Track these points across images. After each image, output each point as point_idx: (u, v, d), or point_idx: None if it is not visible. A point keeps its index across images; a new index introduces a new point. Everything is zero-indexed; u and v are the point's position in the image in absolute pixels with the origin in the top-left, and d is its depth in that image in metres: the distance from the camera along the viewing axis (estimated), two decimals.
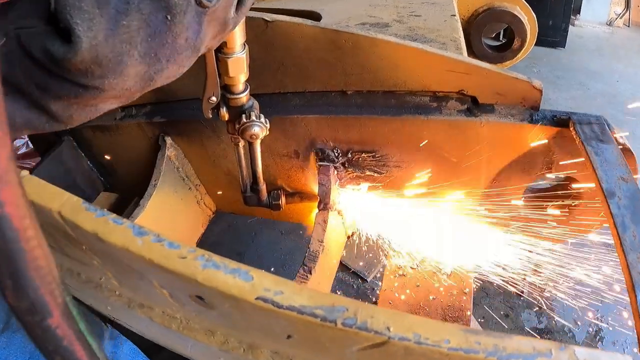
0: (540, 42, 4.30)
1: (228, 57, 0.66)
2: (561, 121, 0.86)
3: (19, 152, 2.10)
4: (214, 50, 0.66)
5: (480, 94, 0.84)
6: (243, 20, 0.61)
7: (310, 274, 0.92)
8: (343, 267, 2.49)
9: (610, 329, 2.09)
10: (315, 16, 1.56)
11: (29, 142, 2.04)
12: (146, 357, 1.21)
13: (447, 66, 0.83)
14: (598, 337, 2.13)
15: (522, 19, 1.82)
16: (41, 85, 0.43)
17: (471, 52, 1.94)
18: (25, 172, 0.58)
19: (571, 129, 0.84)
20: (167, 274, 0.39)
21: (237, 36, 0.64)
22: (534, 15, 1.86)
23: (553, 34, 4.42)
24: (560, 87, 3.97)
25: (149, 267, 0.41)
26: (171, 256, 0.38)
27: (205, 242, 2.66)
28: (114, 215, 0.45)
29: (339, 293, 2.35)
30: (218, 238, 2.73)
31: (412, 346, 0.31)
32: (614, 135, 0.86)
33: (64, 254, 0.71)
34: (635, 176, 0.86)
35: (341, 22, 1.41)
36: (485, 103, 0.85)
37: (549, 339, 2.19)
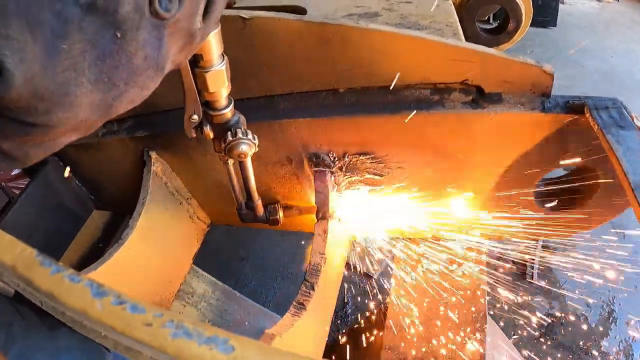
0: (531, 23, 4.27)
1: (206, 71, 0.59)
2: (576, 107, 0.79)
3: (12, 174, 2.06)
4: (190, 65, 0.60)
5: (486, 82, 0.77)
6: (218, 29, 0.55)
7: (313, 290, 0.85)
8: (348, 265, 2.44)
9: (622, 308, 2.08)
10: (299, 10, 1.49)
11: None
12: None
13: (447, 54, 0.75)
14: (611, 319, 2.09)
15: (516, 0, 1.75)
16: None
17: (465, 37, 1.87)
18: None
19: (587, 115, 0.77)
20: (134, 344, 0.32)
21: (214, 47, 0.57)
22: None
23: (543, 14, 4.37)
24: (555, 67, 3.86)
25: (113, 334, 0.33)
26: (135, 323, 0.31)
27: (206, 250, 2.60)
28: (71, 271, 0.38)
29: (347, 294, 2.30)
30: (218, 244, 2.68)
31: None
32: (634, 119, 0.79)
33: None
34: None
35: (327, 15, 1.34)
36: (492, 92, 0.78)
37: (560, 324, 2.16)
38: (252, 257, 2.63)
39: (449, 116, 0.79)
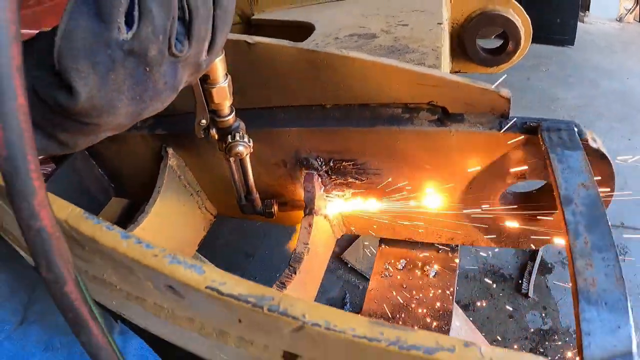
0: (548, 41, 4.32)
1: (212, 87, 0.75)
2: (531, 128, 0.90)
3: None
4: (200, 82, 0.76)
5: (450, 104, 0.89)
6: (222, 56, 0.71)
7: (295, 274, 0.99)
8: (349, 268, 2.56)
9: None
10: (308, 27, 1.63)
11: None
12: (154, 352, 1.28)
13: (416, 79, 0.88)
14: None
15: (515, 22, 1.85)
16: (52, 122, 0.54)
17: (466, 56, 1.98)
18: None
19: (539, 136, 0.88)
20: (145, 269, 0.50)
21: (219, 69, 0.73)
22: (528, 18, 1.88)
23: (562, 32, 4.38)
24: (571, 86, 3.95)
25: (133, 263, 0.52)
26: (147, 255, 0.50)
27: (215, 244, 2.76)
28: (108, 222, 0.59)
29: (347, 295, 2.42)
30: (228, 240, 2.83)
31: (323, 332, 0.37)
32: (586, 140, 0.88)
33: (74, 254, 0.80)
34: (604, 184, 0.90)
35: (332, 34, 1.48)
36: (455, 113, 0.90)
37: (553, 340, 2.21)
38: (258, 254, 2.75)
39: (416, 132, 0.91)
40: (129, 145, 1.34)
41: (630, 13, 4.70)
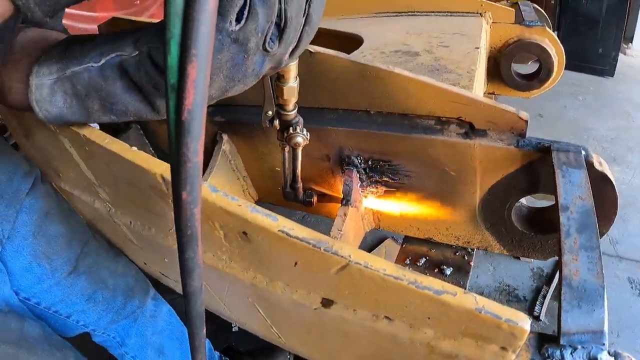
0: (588, 70, 4.37)
1: (284, 85, 0.89)
2: (544, 148, 1.04)
3: None
4: (275, 79, 0.90)
5: (476, 121, 1.05)
6: (297, 61, 0.84)
7: None
8: None
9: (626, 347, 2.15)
10: (357, 39, 1.80)
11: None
12: (181, 321, 1.43)
13: (450, 97, 1.04)
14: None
15: (549, 51, 1.98)
16: (156, 85, 0.63)
17: (501, 78, 2.12)
18: (135, 148, 0.84)
19: (550, 154, 1.02)
20: (228, 216, 0.65)
21: (292, 71, 0.86)
22: (562, 48, 2.00)
23: (602, 62, 4.38)
24: (604, 117, 3.97)
25: (217, 211, 0.66)
26: (232, 204, 0.64)
27: None
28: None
29: None
30: None
31: (362, 269, 0.53)
32: (592, 163, 1.01)
33: (146, 209, 0.98)
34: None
35: (378, 48, 1.64)
36: (480, 129, 1.05)
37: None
38: None
39: (446, 141, 1.07)
40: None
41: None
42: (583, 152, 1.02)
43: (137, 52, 0.66)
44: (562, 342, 0.66)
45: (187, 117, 0.37)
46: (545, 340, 0.68)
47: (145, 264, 1.35)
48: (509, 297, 2.59)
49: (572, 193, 0.92)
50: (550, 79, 2.01)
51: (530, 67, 2.22)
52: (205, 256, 0.88)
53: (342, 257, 0.55)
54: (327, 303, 0.71)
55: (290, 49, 0.68)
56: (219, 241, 0.77)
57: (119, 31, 0.71)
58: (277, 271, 0.76)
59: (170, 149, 0.39)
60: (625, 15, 4.14)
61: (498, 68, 2.08)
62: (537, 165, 1.07)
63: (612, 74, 4.40)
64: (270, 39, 0.62)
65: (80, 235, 1.16)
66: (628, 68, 4.61)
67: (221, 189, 1.54)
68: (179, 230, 0.44)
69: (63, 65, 0.70)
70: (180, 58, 0.36)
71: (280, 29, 0.62)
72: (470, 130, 1.06)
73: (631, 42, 4.75)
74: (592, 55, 4.33)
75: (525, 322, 0.59)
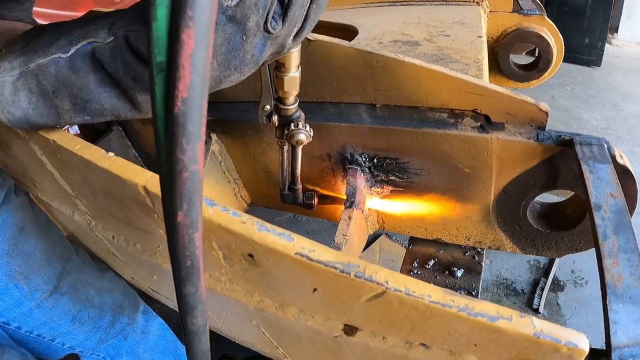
0: (575, 60, 4.36)
1: (285, 76, 0.78)
2: (565, 141, 0.96)
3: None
4: (274, 69, 0.79)
5: (493, 113, 0.96)
6: (299, 48, 0.74)
7: None
8: None
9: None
10: (352, 30, 1.70)
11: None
12: (173, 333, 1.35)
13: (464, 88, 0.95)
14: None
15: (548, 40, 1.91)
16: (136, 77, 0.55)
17: (499, 69, 2.04)
18: (112, 154, 0.73)
19: (573, 149, 0.95)
20: (229, 236, 0.54)
21: (294, 59, 0.76)
22: (561, 37, 1.94)
23: (589, 53, 4.41)
24: (593, 107, 3.98)
25: (215, 230, 0.55)
26: (235, 221, 0.52)
27: None
28: None
29: None
30: None
31: (403, 297, 0.44)
32: (614, 157, 0.95)
33: (129, 224, 0.87)
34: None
35: (376, 38, 1.55)
36: (497, 121, 0.97)
37: None
38: None
39: (459, 136, 0.98)
40: None
41: None
42: (605, 145, 0.95)
43: (112, 38, 0.55)
44: (613, 357, 0.59)
45: (181, 107, 0.27)
46: (595, 356, 0.60)
47: (133, 278, 1.24)
48: (507, 290, 2.55)
49: (603, 190, 0.85)
50: (550, 69, 1.94)
51: (524, 59, 2.16)
52: None
53: (377, 283, 0.45)
54: (350, 330, 0.61)
55: (295, 30, 0.58)
56: (217, 262, 0.66)
57: (90, 16, 0.61)
58: (290, 296, 0.66)
59: (159, 154, 0.28)
60: (610, 6, 4.14)
61: (496, 58, 2.00)
62: (557, 160, 0.99)
63: (599, 64, 4.42)
64: (273, 17, 0.53)
65: (61, 250, 1.06)
66: (614, 58, 4.63)
67: (212, 194, 1.46)
68: (175, 261, 0.34)
69: (26, 59, 0.58)
70: (171, 23, 0.25)
71: (284, 5, 0.53)
72: (487, 123, 0.97)
73: (617, 32, 4.76)
74: (579, 46, 4.33)
75: (584, 344, 0.51)
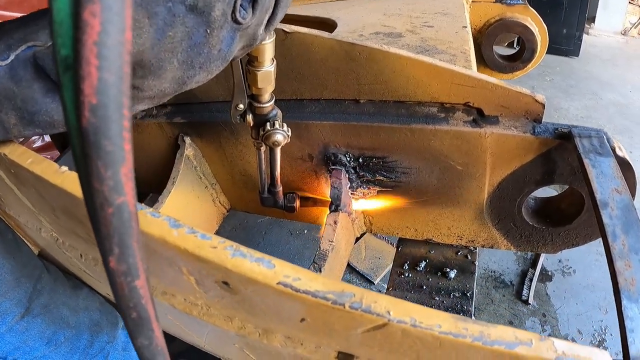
0: (553, 51, 4.36)
1: (258, 70, 0.71)
2: (562, 134, 0.90)
3: (34, 146, 2.14)
4: (246, 64, 0.72)
5: (486, 106, 0.89)
6: (273, 38, 0.67)
7: (320, 271, 0.97)
8: (350, 269, 2.55)
9: (614, 339, 2.12)
10: (330, 23, 1.62)
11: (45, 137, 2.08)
12: None
13: (455, 79, 0.88)
14: (602, 347, 2.15)
15: (532, 30, 1.86)
16: None
17: (482, 61, 1.99)
18: (65, 168, 0.64)
19: (571, 142, 0.89)
20: (198, 262, 0.45)
21: (268, 52, 0.69)
22: (545, 27, 1.89)
23: (567, 43, 4.44)
24: (573, 97, 3.99)
25: (182, 255, 0.47)
26: (204, 246, 0.44)
27: None
28: (152, 209, 0.52)
29: None
30: (229, 235, 2.80)
31: (408, 329, 0.36)
32: (614, 149, 0.90)
33: (92, 243, 0.77)
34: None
35: (356, 31, 1.47)
36: (490, 115, 0.90)
37: None
38: (261, 251, 2.76)
39: (451, 132, 0.91)
40: (143, 134, 1.31)
41: (635, 27, 4.74)
42: (604, 137, 0.89)
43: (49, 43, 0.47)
44: None
45: (90, 118, 0.19)
46: None
47: (108, 295, 1.15)
48: (495, 283, 2.52)
49: (608, 186, 0.79)
50: (535, 59, 1.89)
51: (505, 50, 2.11)
52: (174, 299, 0.69)
53: (378, 315, 0.37)
54: (345, 358, 0.53)
55: (267, 18, 0.52)
56: (190, 287, 0.58)
57: (30, 14, 0.52)
58: (275, 323, 0.57)
59: (81, 181, 0.21)
60: None
61: (479, 50, 1.95)
62: (554, 154, 0.93)
63: (577, 54, 4.45)
64: (241, 5, 0.47)
65: (31, 269, 0.99)
66: (592, 47, 4.66)
67: (188, 202, 1.37)
68: (121, 312, 0.27)
69: None
70: (74, 3, 0.18)
71: None
72: (480, 117, 0.90)
73: (594, 22, 4.79)
74: (557, 37, 4.34)
75: None
